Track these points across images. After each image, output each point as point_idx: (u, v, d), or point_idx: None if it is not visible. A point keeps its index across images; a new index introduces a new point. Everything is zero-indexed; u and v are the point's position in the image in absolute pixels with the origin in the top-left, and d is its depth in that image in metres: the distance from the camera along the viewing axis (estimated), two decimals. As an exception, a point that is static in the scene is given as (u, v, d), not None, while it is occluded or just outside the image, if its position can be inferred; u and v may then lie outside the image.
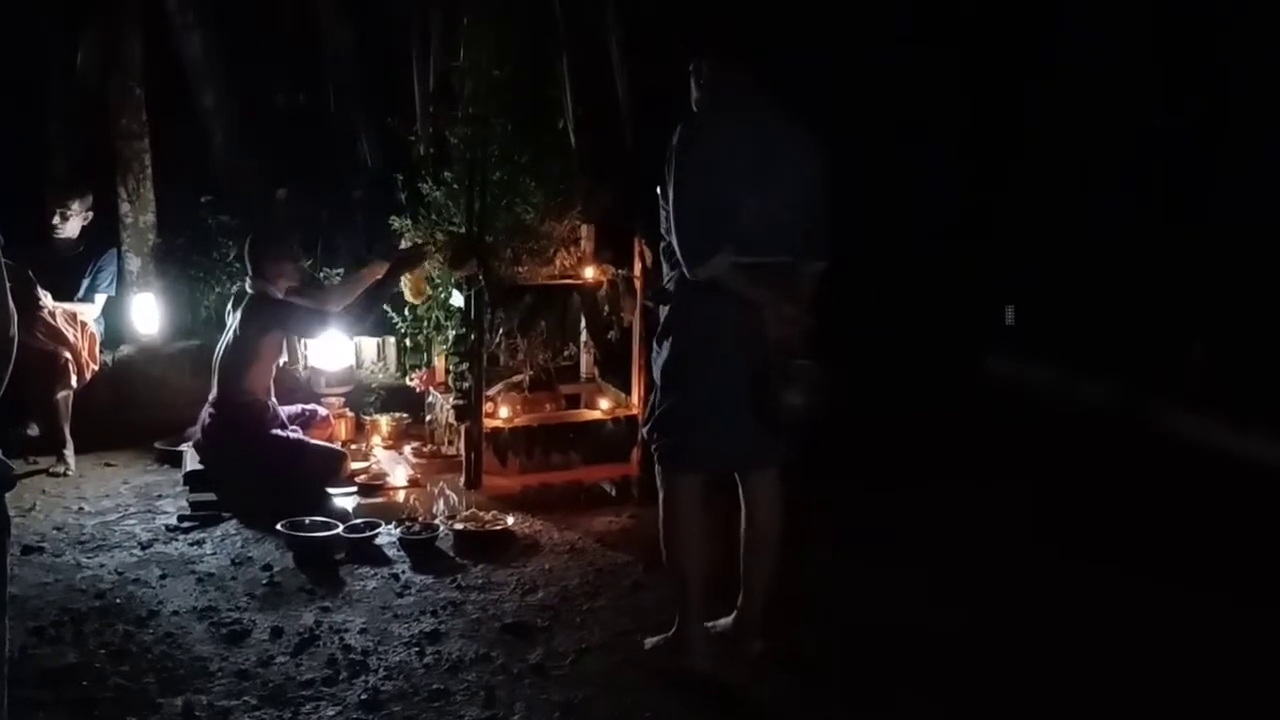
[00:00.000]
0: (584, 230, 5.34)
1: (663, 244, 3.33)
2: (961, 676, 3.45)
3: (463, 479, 5.10)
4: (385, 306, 5.53)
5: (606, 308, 5.23)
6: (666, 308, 3.38)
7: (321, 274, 6.28)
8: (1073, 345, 7.17)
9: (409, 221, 5.37)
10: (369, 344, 6.46)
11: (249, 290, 5.13)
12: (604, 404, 5.36)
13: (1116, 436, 6.19)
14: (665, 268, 3.39)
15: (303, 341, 5.71)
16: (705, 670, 3.37)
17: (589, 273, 5.26)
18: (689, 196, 3.17)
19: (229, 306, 5.33)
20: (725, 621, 3.55)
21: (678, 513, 3.37)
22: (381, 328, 6.14)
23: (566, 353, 5.55)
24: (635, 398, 5.17)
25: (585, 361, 5.61)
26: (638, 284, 5.09)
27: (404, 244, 5.36)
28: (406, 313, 5.61)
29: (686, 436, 3.30)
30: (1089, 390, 6.79)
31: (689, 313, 3.30)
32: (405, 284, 5.31)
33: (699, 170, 3.17)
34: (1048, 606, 3.95)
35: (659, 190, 3.30)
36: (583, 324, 5.45)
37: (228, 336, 5.11)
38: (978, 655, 3.57)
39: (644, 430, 3.50)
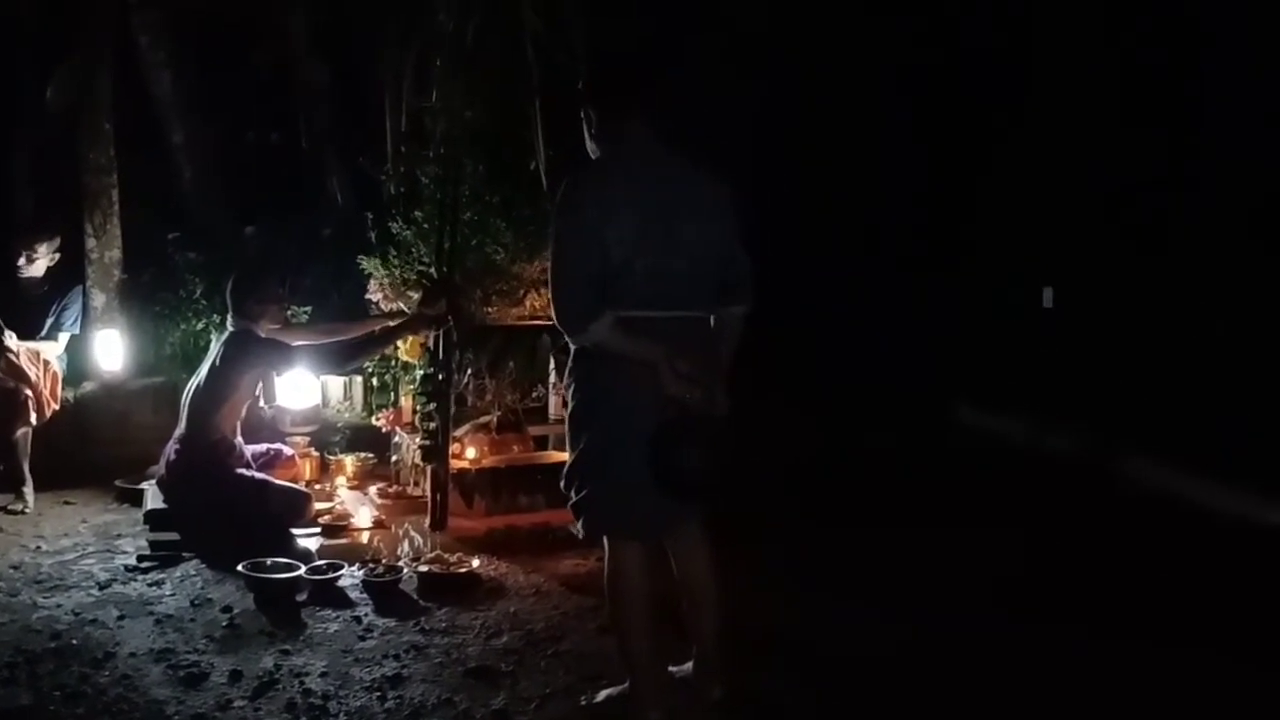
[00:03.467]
0: (553, 271, 5.34)
1: None
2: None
3: (428, 520, 5.06)
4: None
5: (575, 349, 5.22)
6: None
7: (289, 311, 6.24)
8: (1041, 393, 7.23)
9: (378, 261, 5.36)
10: (335, 383, 6.42)
11: (230, 328, 5.09)
12: (572, 446, 5.33)
13: (1085, 483, 6.22)
14: None
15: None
16: None
17: (558, 314, 5.26)
18: (567, 259, 3.03)
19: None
20: (686, 667, 3.51)
21: (617, 570, 3.24)
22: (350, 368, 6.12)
23: (535, 394, 5.54)
24: (603, 440, 5.15)
25: (554, 403, 5.59)
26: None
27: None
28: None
29: (589, 494, 3.19)
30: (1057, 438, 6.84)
31: (585, 372, 3.17)
32: (404, 343, 5.27)
33: (578, 233, 3.01)
34: (1017, 653, 3.95)
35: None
36: (551, 365, 5.45)
37: (202, 372, 5.06)
38: (944, 697, 3.56)
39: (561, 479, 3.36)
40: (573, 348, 3.19)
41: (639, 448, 3.01)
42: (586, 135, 3.26)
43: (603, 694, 3.44)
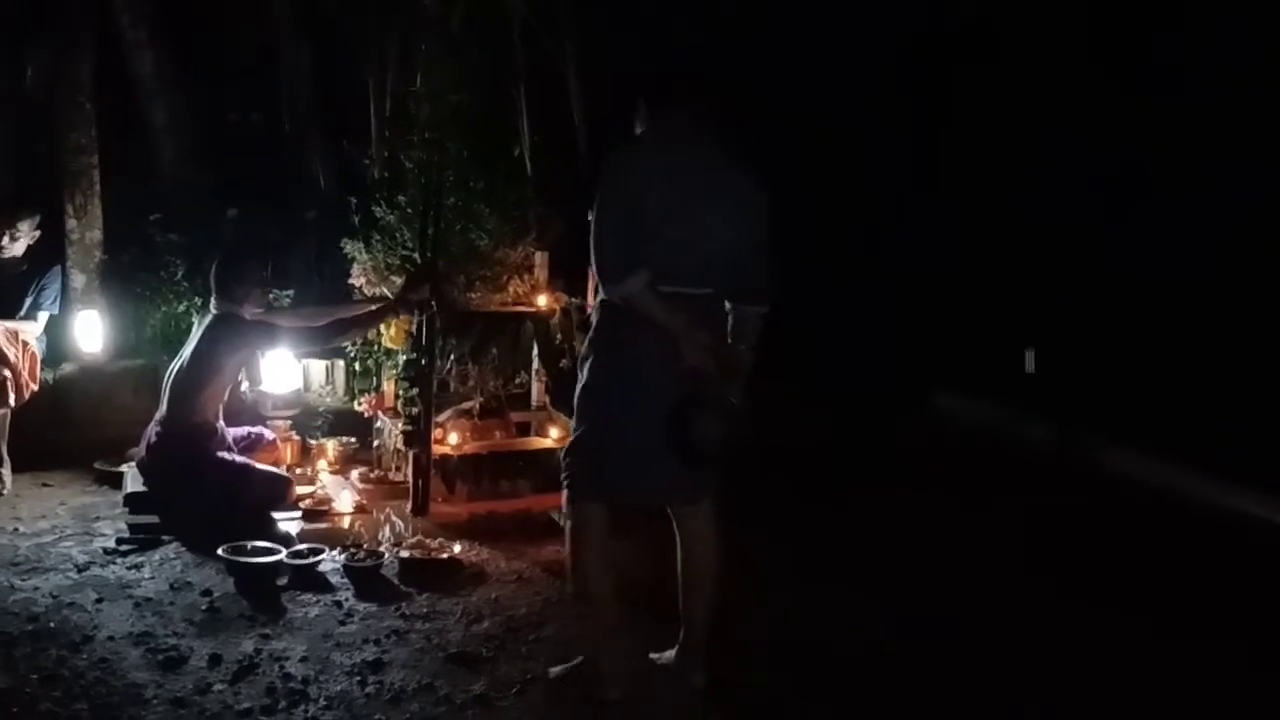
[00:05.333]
0: (538, 258, 5.34)
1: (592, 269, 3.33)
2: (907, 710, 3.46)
3: (410, 505, 5.05)
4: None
5: (559, 336, 5.23)
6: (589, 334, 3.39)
7: (271, 295, 6.21)
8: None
9: (361, 245, 5.33)
10: (317, 367, 6.40)
11: (213, 310, 5.06)
12: (554, 432, 5.34)
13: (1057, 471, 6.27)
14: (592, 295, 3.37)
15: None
16: (614, 699, 3.33)
17: (542, 300, 5.26)
18: (609, 217, 3.19)
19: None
20: (669, 654, 3.53)
21: (583, 541, 3.35)
22: (332, 351, 6.09)
23: (518, 380, 5.53)
24: (586, 426, 5.15)
25: (536, 389, 5.59)
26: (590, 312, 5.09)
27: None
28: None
29: (593, 463, 3.29)
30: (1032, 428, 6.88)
31: (607, 339, 3.29)
32: (388, 328, 5.25)
33: (618, 194, 3.19)
34: (1005, 634, 3.98)
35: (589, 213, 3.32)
36: (534, 352, 5.44)
37: (185, 354, 5.03)
38: (929, 687, 3.58)
39: (560, 456, 3.48)
40: (594, 319, 3.33)
41: (656, 419, 3.12)
42: (636, 123, 3.40)
43: (555, 670, 3.49)
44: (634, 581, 3.83)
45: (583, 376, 3.34)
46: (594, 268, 3.22)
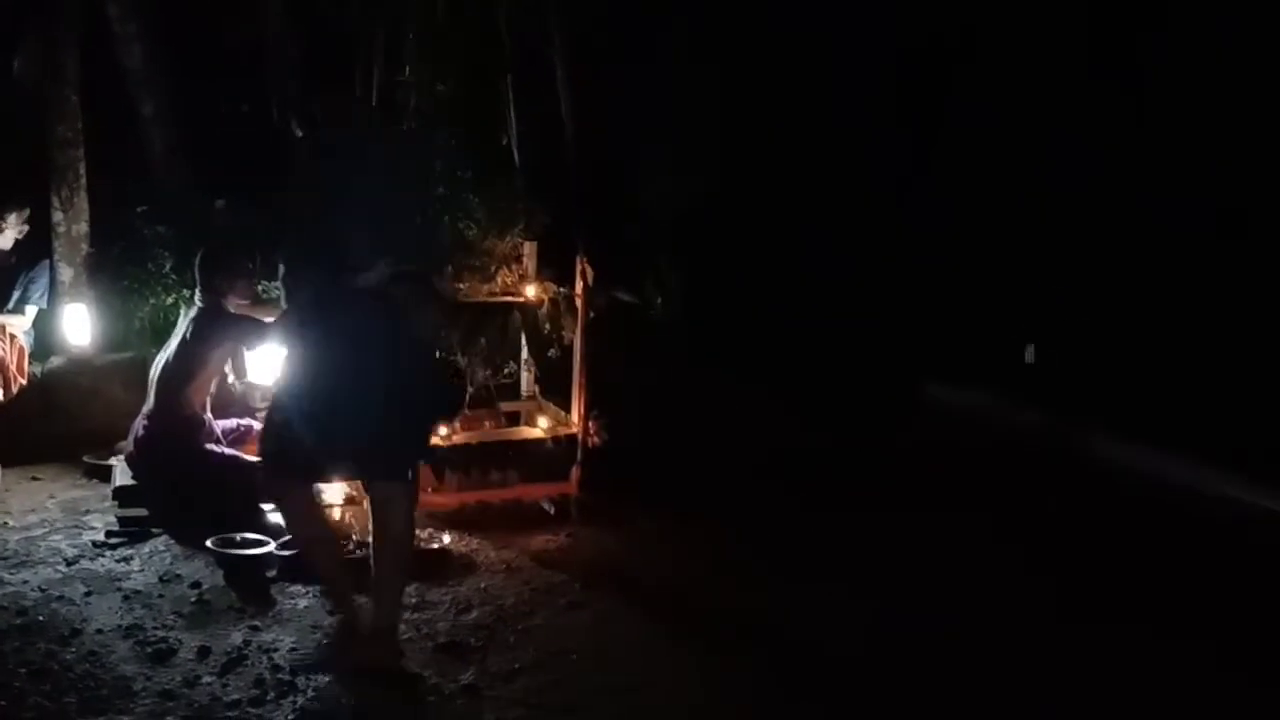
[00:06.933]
0: (526, 248, 5.32)
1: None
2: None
3: (400, 496, 5.03)
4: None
5: (547, 326, 5.22)
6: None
7: (260, 287, 6.19)
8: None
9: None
10: (307, 359, 6.37)
11: (199, 303, 5.05)
12: (544, 422, 5.33)
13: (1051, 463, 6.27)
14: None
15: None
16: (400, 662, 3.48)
17: (530, 290, 5.25)
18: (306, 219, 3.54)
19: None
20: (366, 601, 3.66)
21: (292, 521, 3.75)
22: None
23: (507, 370, 5.52)
24: (576, 416, 5.16)
25: (526, 379, 5.58)
26: (579, 302, 5.09)
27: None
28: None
29: (279, 444, 3.53)
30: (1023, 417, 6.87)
31: (298, 325, 3.51)
32: None
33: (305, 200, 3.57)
34: (1005, 633, 3.98)
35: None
36: (523, 342, 5.43)
37: (171, 347, 5.02)
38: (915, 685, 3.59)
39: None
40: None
41: (339, 398, 3.43)
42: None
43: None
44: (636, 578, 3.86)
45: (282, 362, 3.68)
46: (302, 265, 3.54)
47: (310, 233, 3.55)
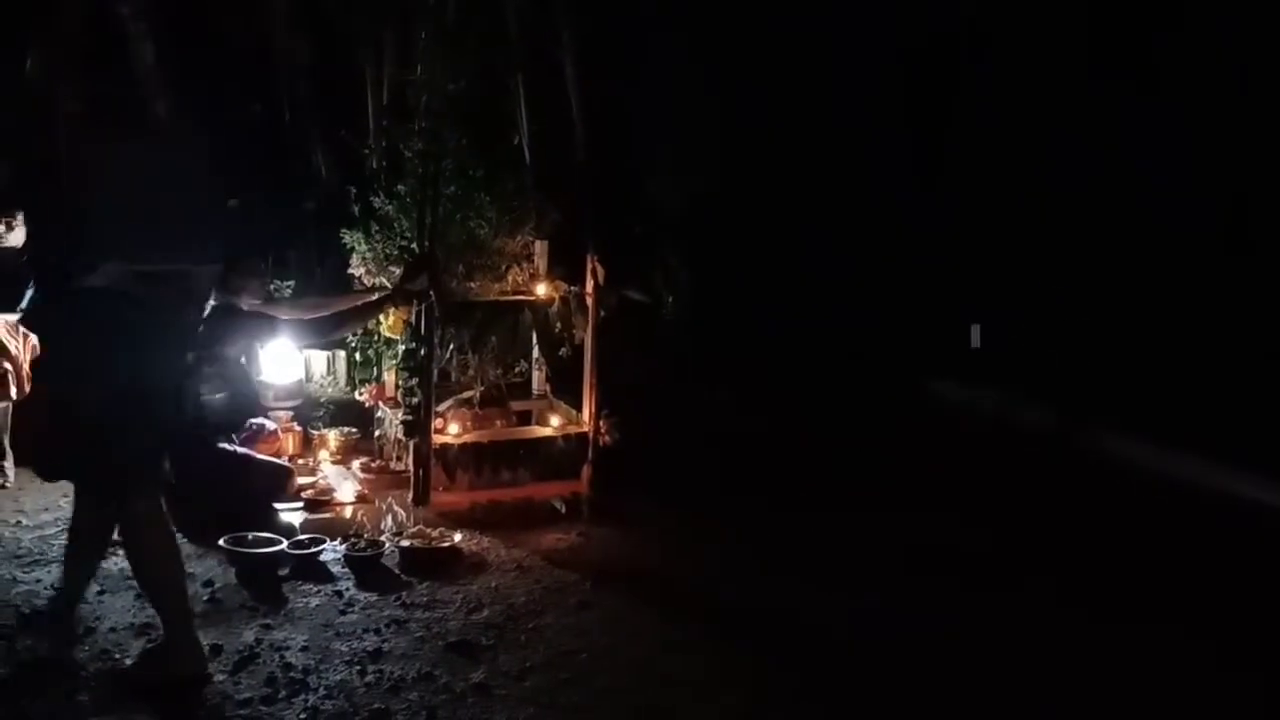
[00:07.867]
0: (537, 246, 5.33)
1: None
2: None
3: (410, 495, 5.05)
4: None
5: (558, 324, 5.23)
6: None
7: (272, 286, 6.21)
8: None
9: (360, 235, 5.33)
10: (318, 358, 6.40)
11: (213, 301, 5.06)
12: (555, 421, 5.34)
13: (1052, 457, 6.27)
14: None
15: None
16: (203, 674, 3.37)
17: (541, 289, 5.25)
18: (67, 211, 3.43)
19: None
20: None
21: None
22: (333, 342, 6.09)
23: (518, 369, 5.53)
24: (587, 415, 5.17)
25: (537, 378, 5.59)
26: (589, 301, 5.10)
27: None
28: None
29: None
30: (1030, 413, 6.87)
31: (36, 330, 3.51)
32: (387, 318, 5.24)
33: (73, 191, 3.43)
34: (1002, 632, 3.98)
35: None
36: (534, 340, 5.44)
37: (184, 345, 5.03)
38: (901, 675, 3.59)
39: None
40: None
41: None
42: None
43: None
44: (647, 577, 3.86)
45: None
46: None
47: (42, 232, 3.51)
